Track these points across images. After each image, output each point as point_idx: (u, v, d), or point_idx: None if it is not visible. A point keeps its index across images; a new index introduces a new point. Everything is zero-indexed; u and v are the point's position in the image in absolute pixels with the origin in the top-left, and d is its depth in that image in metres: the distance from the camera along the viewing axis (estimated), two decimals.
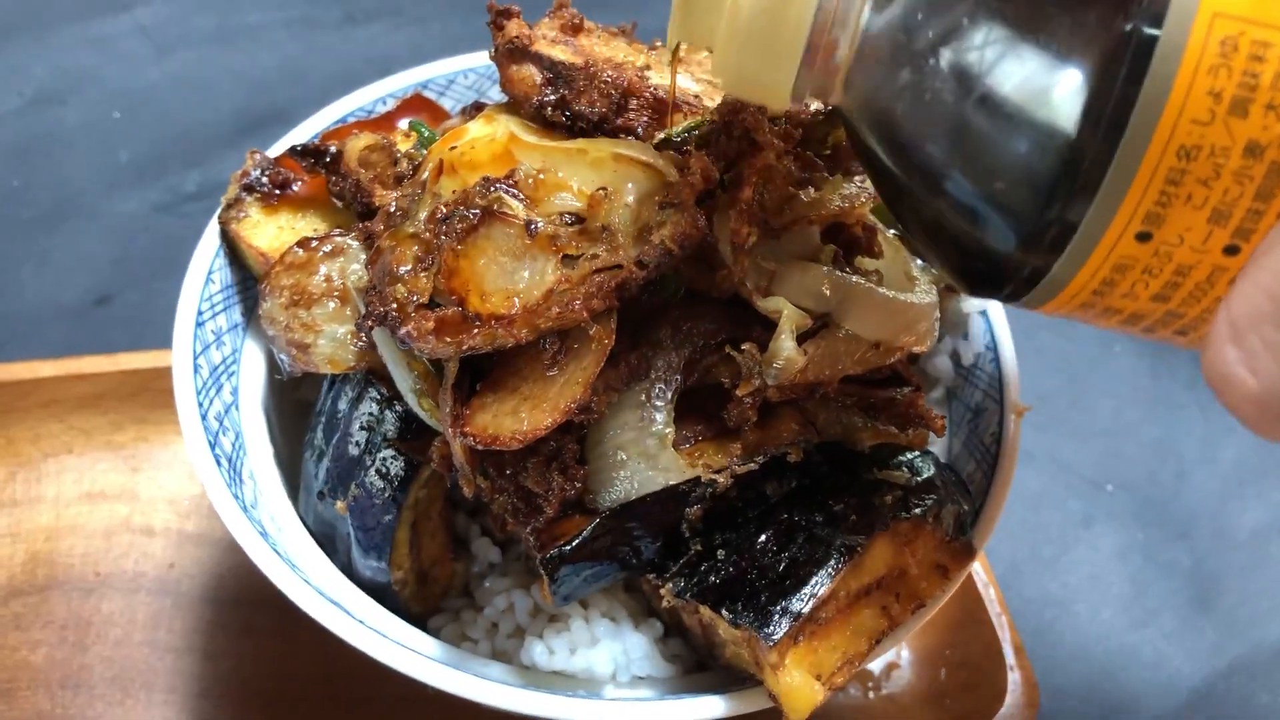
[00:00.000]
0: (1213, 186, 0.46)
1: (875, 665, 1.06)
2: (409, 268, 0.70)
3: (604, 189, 0.69)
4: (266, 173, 0.88)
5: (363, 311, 0.76)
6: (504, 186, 0.69)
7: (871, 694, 1.05)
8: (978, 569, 1.06)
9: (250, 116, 1.49)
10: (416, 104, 0.98)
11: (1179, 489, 1.28)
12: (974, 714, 1.00)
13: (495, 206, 0.68)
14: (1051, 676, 1.11)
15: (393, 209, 0.74)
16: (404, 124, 0.93)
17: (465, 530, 0.85)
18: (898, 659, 1.07)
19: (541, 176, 0.70)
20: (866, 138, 0.58)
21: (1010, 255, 0.53)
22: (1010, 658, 1.01)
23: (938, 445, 0.89)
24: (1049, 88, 0.48)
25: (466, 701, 0.78)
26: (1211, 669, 1.14)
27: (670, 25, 0.60)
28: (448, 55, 1.03)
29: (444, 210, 0.70)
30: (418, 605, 0.82)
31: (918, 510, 0.73)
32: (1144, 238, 0.48)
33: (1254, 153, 0.45)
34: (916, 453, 0.78)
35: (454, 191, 0.73)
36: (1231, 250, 0.47)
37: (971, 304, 0.92)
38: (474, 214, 0.68)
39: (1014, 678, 1.00)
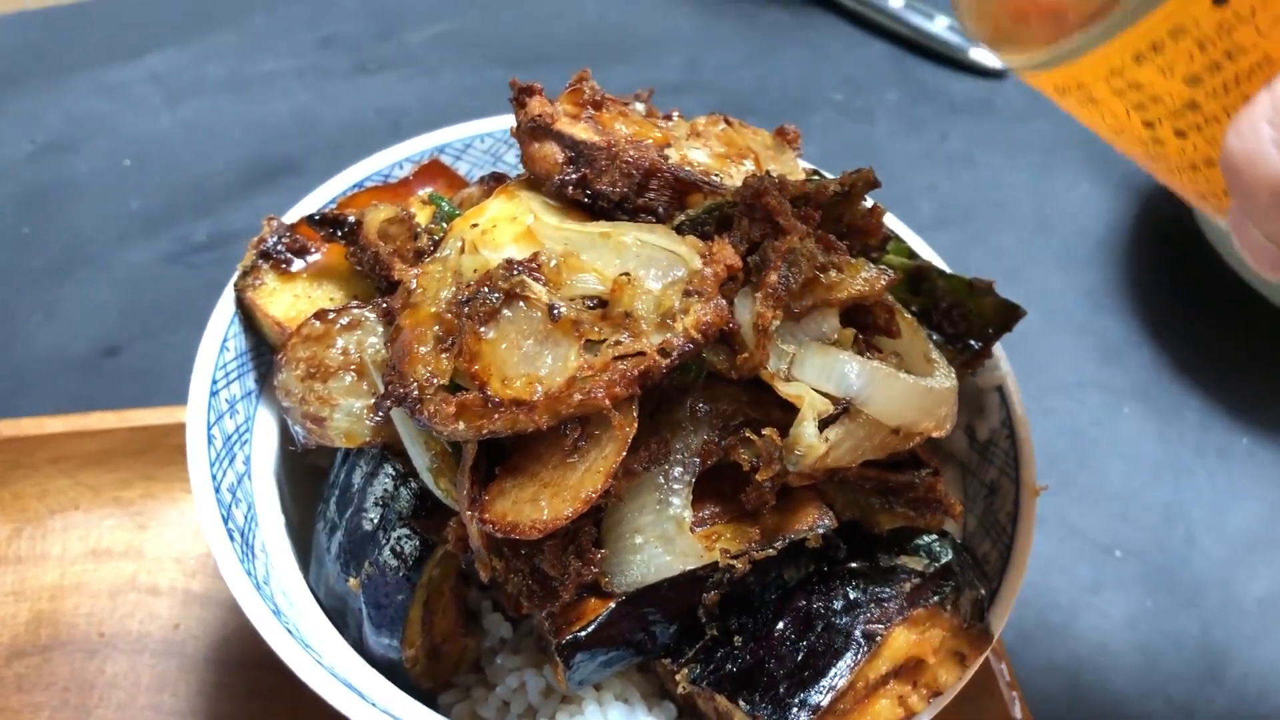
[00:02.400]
0: None
1: None
2: (429, 348, 0.70)
3: (627, 274, 0.69)
4: (283, 240, 0.88)
5: (381, 388, 0.76)
6: (526, 269, 0.69)
7: None
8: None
9: (262, 166, 1.49)
10: (433, 170, 0.98)
11: (1187, 555, 1.27)
12: None
13: (518, 290, 0.68)
14: None
15: (413, 286, 0.74)
16: (423, 192, 0.93)
17: (477, 605, 0.84)
18: None
19: (564, 260, 0.70)
20: None
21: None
22: None
23: (954, 524, 0.89)
24: None
25: None
26: None
27: None
28: (459, 106, 1.03)
29: (466, 292, 0.70)
30: (429, 681, 0.81)
31: (935, 598, 0.73)
32: (1221, 1, 0.45)
33: None
34: (934, 536, 0.78)
35: (475, 271, 0.73)
36: None
37: (987, 379, 0.91)
38: (496, 297, 0.68)
39: None
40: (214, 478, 0.79)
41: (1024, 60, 0.55)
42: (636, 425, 0.66)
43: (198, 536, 1.09)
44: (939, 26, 1.78)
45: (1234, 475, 1.35)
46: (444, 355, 0.69)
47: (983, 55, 1.77)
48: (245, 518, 0.81)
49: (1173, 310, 1.50)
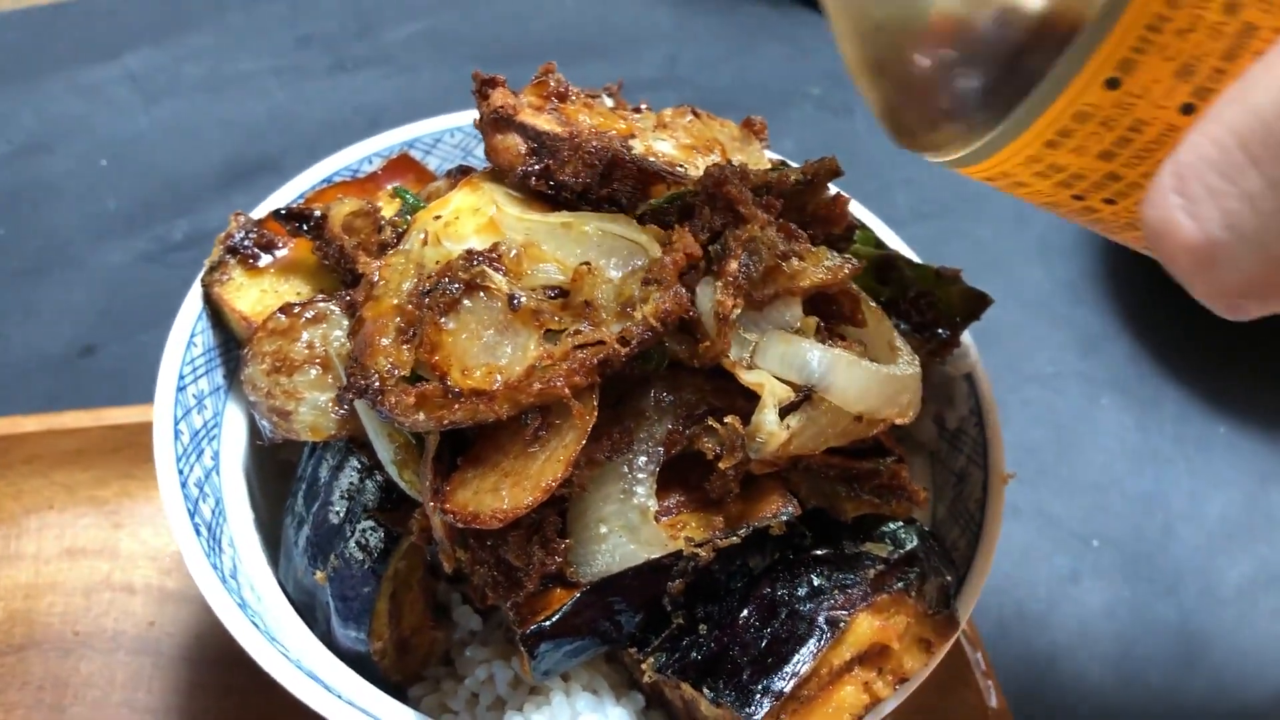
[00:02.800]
0: (1187, 39, 0.46)
1: None
2: (390, 339, 0.70)
3: (587, 264, 0.69)
4: (250, 235, 0.88)
5: (345, 381, 0.76)
6: (487, 259, 0.69)
7: None
8: (964, 631, 1.06)
9: (239, 165, 1.49)
10: (402, 164, 0.98)
11: (1165, 544, 1.28)
12: None
13: (478, 280, 0.68)
14: None
15: (376, 279, 0.74)
16: (390, 186, 0.93)
17: (446, 597, 0.85)
18: None
19: (525, 250, 0.70)
20: None
21: (977, 91, 0.51)
22: None
23: (923, 512, 0.89)
24: None
25: None
26: None
27: None
28: (437, 104, 1.03)
29: (427, 283, 0.70)
30: (397, 674, 0.81)
31: (900, 584, 0.73)
32: (1113, 84, 0.47)
33: (1231, 9, 0.45)
34: (899, 523, 0.78)
35: (438, 262, 0.73)
36: (1187, 109, 0.47)
37: (956, 367, 0.92)
38: (456, 287, 0.68)
39: None
40: (181, 472, 0.79)
41: (943, 159, 0.56)
42: (596, 414, 0.67)
43: (173, 535, 1.09)
44: None
45: (1212, 464, 1.35)
46: (405, 346, 0.69)
47: None
48: (213, 512, 0.81)
49: (1150, 301, 1.51)
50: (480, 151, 1.02)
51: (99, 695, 0.99)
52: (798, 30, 1.84)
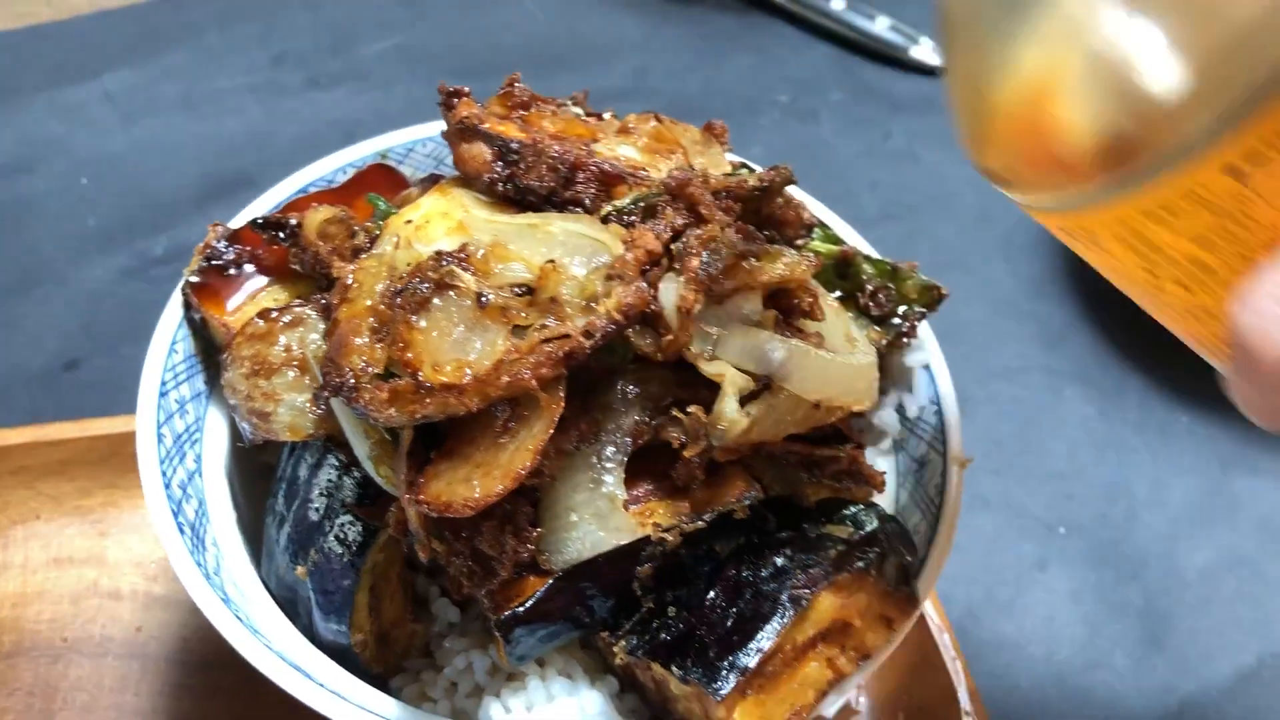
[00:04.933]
0: None
1: (831, 712, 1.08)
2: (364, 339, 0.72)
3: (552, 262, 0.72)
4: (228, 245, 0.90)
5: (320, 381, 0.78)
6: (455, 260, 0.72)
7: None
8: (932, 614, 1.09)
9: (217, 181, 1.52)
10: (376, 173, 1.00)
11: (1130, 530, 1.31)
12: None
13: (447, 279, 0.71)
14: (1007, 719, 1.14)
15: (349, 281, 0.76)
16: (365, 196, 0.95)
17: (425, 591, 0.87)
18: (856, 705, 1.10)
19: (492, 250, 0.73)
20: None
21: (1094, 150, 0.49)
22: (965, 702, 1.03)
23: (886, 498, 0.92)
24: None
25: None
26: (1164, 708, 1.17)
27: None
28: (410, 117, 1.06)
29: (398, 283, 0.73)
30: (378, 666, 0.83)
31: (860, 564, 0.76)
32: (1235, 173, 0.45)
33: None
34: (860, 506, 0.81)
35: (409, 265, 0.75)
36: None
37: (915, 358, 0.95)
38: (427, 287, 0.71)
39: None
40: (164, 475, 0.81)
41: (1029, 202, 0.55)
42: (563, 404, 0.69)
43: (159, 541, 1.11)
44: (880, 27, 1.82)
45: (1174, 452, 1.39)
46: (378, 345, 0.72)
47: (924, 54, 1.82)
48: (196, 513, 0.83)
49: (1113, 295, 1.52)
50: (452, 160, 1.06)
51: (88, 699, 1.01)
52: (765, 40, 1.88)
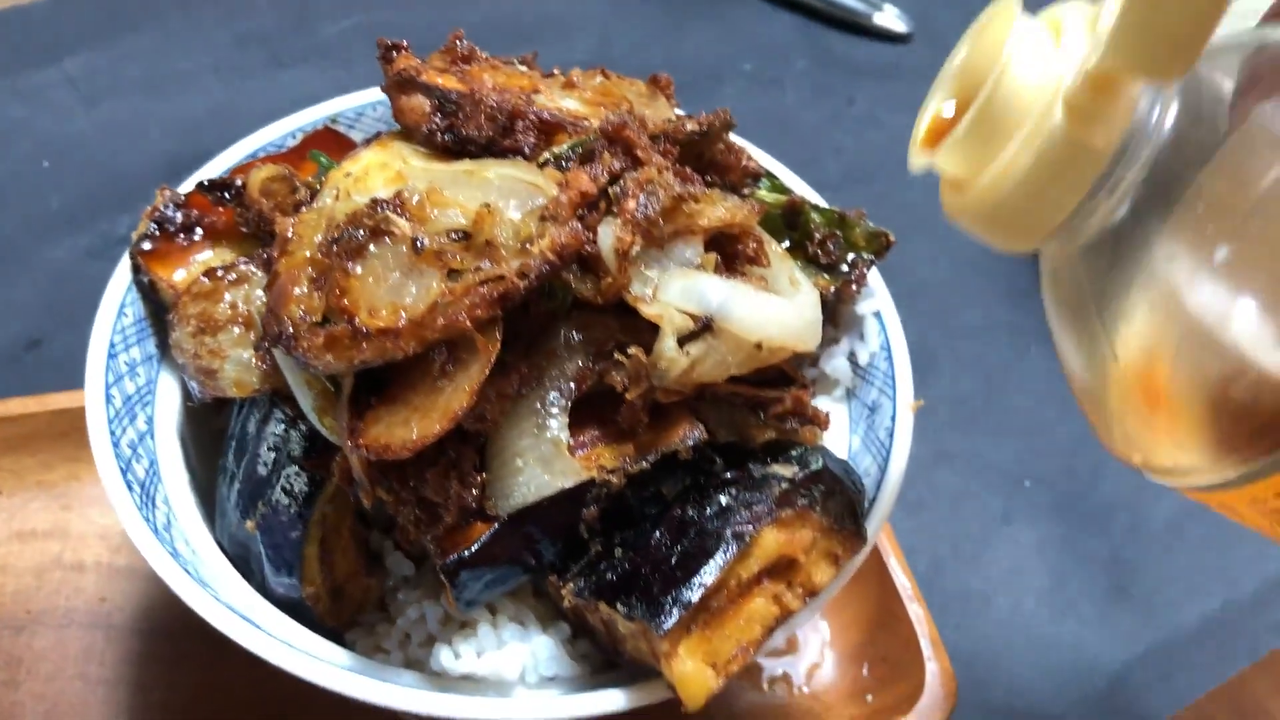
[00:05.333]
0: None
1: (799, 669, 1.09)
2: (303, 289, 0.73)
3: (487, 205, 0.72)
4: (176, 208, 0.90)
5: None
6: (391, 206, 0.72)
7: (797, 692, 1.08)
8: (895, 567, 1.09)
9: (180, 161, 1.50)
10: (324, 137, 1.01)
11: (1095, 482, 1.32)
12: (895, 707, 1.03)
13: (382, 226, 0.71)
14: (974, 668, 1.14)
15: (289, 234, 0.77)
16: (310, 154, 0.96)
17: (379, 546, 0.87)
18: (821, 659, 1.10)
19: (428, 196, 0.74)
20: (1083, 291, 0.58)
21: (1213, 448, 0.53)
22: (928, 650, 1.04)
23: (840, 443, 0.93)
24: None
25: (387, 714, 0.81)
26: (1130, 654, 1.18)
27: (938, 147, 0.59)
28: None
29: (335, 232, 0.73)
30: (333, 620, 0.84)
31: (804, 500, 0.76)
32: None
33: None
34: (806, 448, 0.81)
35: (347, 215, 0.76)
36: None
37: (865, 306, 0.95)
38: (362, 234, 0.71)
39: (932, 669, 1.03)
40: (113, 434, 0.81)
41: (1168, 483, 0.58)
42: (500, 345, 0.70)
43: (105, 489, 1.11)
44: None
45: None
46: (317, 294, 0.72)
47: (887, 21, 1.82)
48: (147, 473, 0.84)
49: None
50: None
51: (52, 669, 1.02)
52: (727, 10, 1.88)
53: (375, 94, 1.05)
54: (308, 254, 0.75)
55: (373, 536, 0.88)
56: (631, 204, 0.74)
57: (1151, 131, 0.53)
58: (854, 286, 0.93)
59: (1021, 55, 0.54)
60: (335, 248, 0.72)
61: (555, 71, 0.96)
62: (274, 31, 1.74)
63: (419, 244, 0.71)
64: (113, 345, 0.86)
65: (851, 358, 0.96)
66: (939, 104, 0.61)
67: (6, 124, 1.55)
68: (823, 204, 0.97)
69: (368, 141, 0.89)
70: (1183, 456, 0.55)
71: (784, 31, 1.85)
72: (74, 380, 1.24)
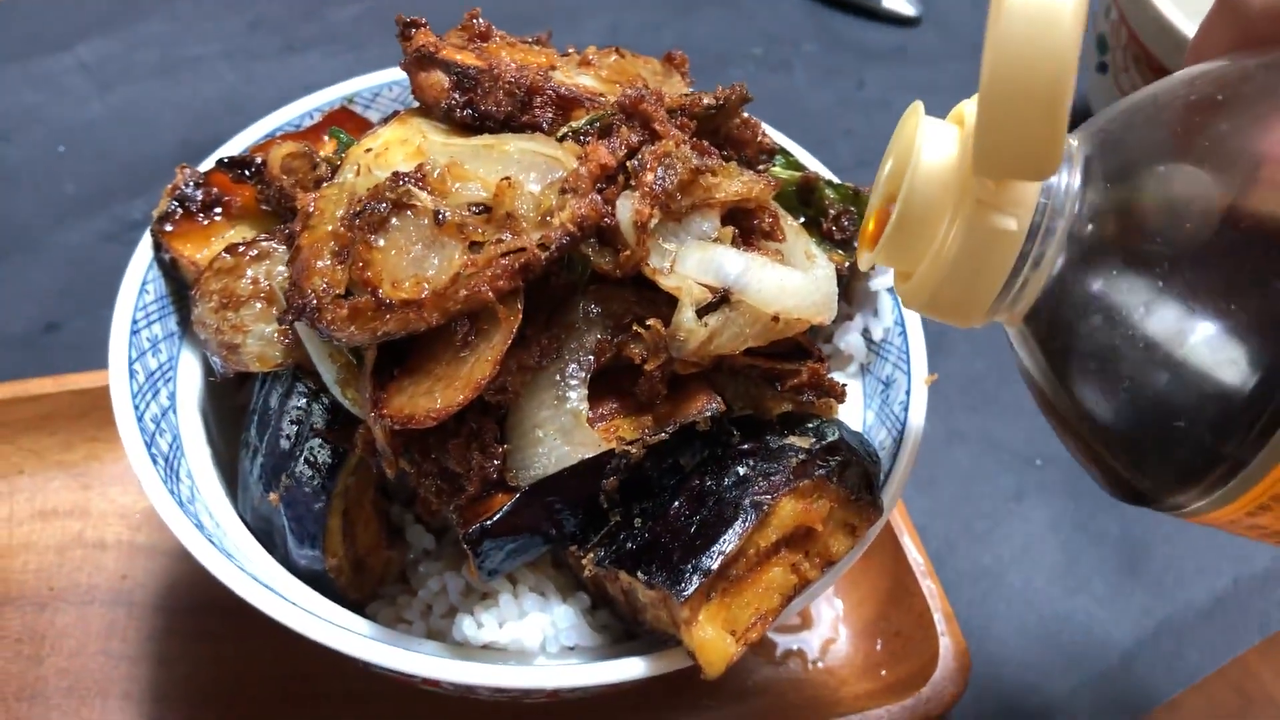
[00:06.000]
0: None
1: (813, 643, 1.10)
2: (326, 262, 0.73)
3: (508, 178, 0.73)
4: (197, 185, 0.91)
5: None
6: (412, 179, 0.73)
7: (811, 667, 1.09)
8: (909, 544, 1.10)
9: (193, 146, 1.51)
10: (341, 117, 1.01)
11: None
12: (908, 681, 1.04)
13: (404, 199, 0.72)
14: (987, 644, 1.15)
15: (311, 209, 0.77)
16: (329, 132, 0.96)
17: (400, 519, 0.88)
18: (835, 634, 1.11)
19: (449, 169, 0.74)
20: (1036, 356, 0.64)
21: (1172, 484, 0.58)
22: (941, 625, 1.05)
23: (854, 418, 0.93)
24: (1242, 358, 0.53)
25: (411, 692, 0.82)
26: (1141, 630, 1.18)
27: (876, 247, 0.65)
28: None
29: (357, 206, 0.74)
30: (355, 592, 0.85)
31: (821, 470, 0.77)
32: None
33: None
34: (823, 419, 0.82)
35: (368, 190, 0.76)
36: None
37: (879, 282, 0.96)
38: (384, 207, 0.72)
39: (945, 644, 1.04)
40: (137, 408, 0.82)
41: (1174, 514, 0.63)
42: (521, 316, 0.70)
43: (142, 492, 1.12)
44: None
45: None
46: (339, 267, 0.73)
47: (896, 4, 1.82)
48: (170, 446, 0.85)
49: None
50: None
51: (75, 645, 1.03)
52: None
53: (391, 74, 1.06)
54: (330, 228, 0.75)
55: (393, 509, 0.89)
56: (650, 177, 0.75)
57: (1062, 205, 0.58)
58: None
59: (931, 153, 0.60)
60: (358, 221, 0.73)
61: (570, 50, 0.97)
62: (285, 17, 1.74)
63: (440, 216, 0.72)
64: (135, 322, 0.87)
65: (865, 333, 0.97)
66: (874, 208, 0.68)
67: (22, 109, 1.56)
68: (835, 180, 0.98)
69: (386, 119, 0.90)
70: (1162, 490, 0.60)
71: (793, 15, 1.86)
72: (91, 362, 1.26)
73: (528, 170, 0.74)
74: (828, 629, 1.11)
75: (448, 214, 0.72)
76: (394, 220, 0.72)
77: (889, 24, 1.83)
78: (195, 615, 1.06)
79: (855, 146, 1.64)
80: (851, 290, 0.98)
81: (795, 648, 1.09)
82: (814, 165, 1.00)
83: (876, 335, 0.96)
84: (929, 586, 1.07)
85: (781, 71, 1.75)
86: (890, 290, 0.96)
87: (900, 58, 1.78)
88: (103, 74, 1.62)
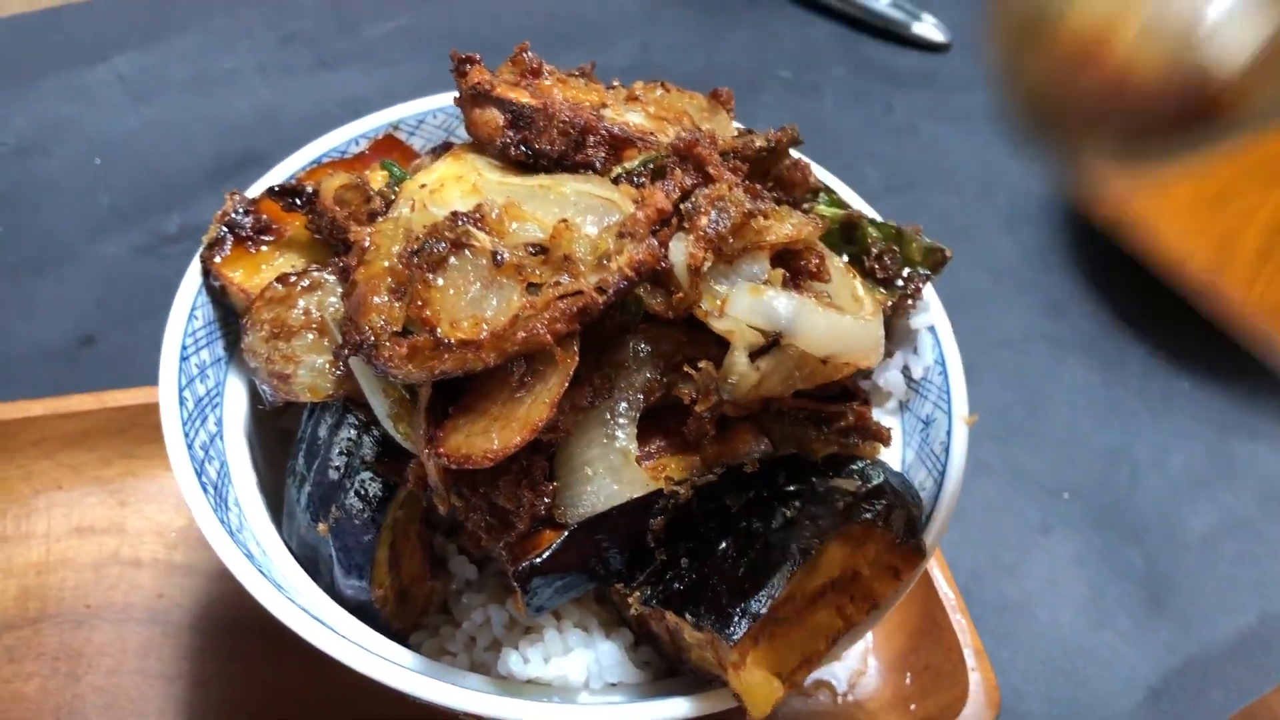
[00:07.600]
0: None
1: (841, 675, 1.11)
2: (383, 298, 0.74)
3: (565, 221, 0.74)
4: (246, 212, 0.92)
5: (340, 341, 0.80)
6: (471, 220, 0.74)
7: (840, 700, 1.09)
8: (939, 577, 1.11)
9: (227, 160, 1.54)
10: (388, 144, 1.02)
11: (1132, 494, 1.33)
12: (938, 716, 1.05)
13: (463, 239, 0.73)
14: (1013, 678, 1.16)
15: (366, 244, 0.78)
16: (378, 162, 0.97)
17: (443, 550, 0.89)
18: (864, 666, 1.12)
19: (506, 210, 0.75)
20: None
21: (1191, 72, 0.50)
22: (971, 660, 1.05)
23: (893, 456, 0.94)
24: None
25: (445, 715, 0.82)
26: (1166, 667, 1.19)
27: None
28: (417, 94, 1.07)
29: (415, 244, 0.75)
30: (399, 622, 0.85)
31: (867, 515, 0.77)
32: None
33: None
34: (867, 461, 0.83)
35: (424, 227, 0.77)
36: None
37: (920, 320, 0.97)
38: (443, 246, 0.73)
39: (975, 679, 1.04)
40: (187, 436, 0.83)
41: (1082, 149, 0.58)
42: (578, 359, 0.71)
43: (178, 510, 1.14)
44: (882, 3, 1.84)
45: (1176, 417, 1.41)
46: (396, 304, 0.74)
47: (925, 30, 1.83)
48: (218, 474, 0.85)
49: (1114, 265, 1.56)
50: (462, 131, 1.07)
51: (112, 663, 1.04)
52: (766, 17, 1.89)
53: (435, 101, 1.07)
54: (386, 264, 0.76)
55: (436, 540, 0.89)
56: (704, 220, 0.75)
57: None
58: (910, 301, 0.94)
59: None
60: (415, 259, 0.73)
61: (615, 84, 0.98)
62: (318, 33, 1.76)
63: (499, 257, 0.72)
64: (184, 348, 0.88)
65: (905, 371, 0.98)
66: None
67: (59, 121, 1.57)
68: (878, 218, 0.99)
69: (437, 152, 0.91)
70: (1119, 117, 0.53)
71: (821, 39, 1.86)
72: (127, 376, 1.27)
73: (584, 213, 0.75)
74: (857, 660, 1.12)
75: (506, 255, 0.72)
76: (452, 259, 0.73)
77: (919, 49, 1.84)
78: (230, 636, 1.06)
79: (883, 171, 1.65)
80: (891, 327, 0.98)
81: (824, 679, 1.10)
82: (855, 202, 1.01)
83: (916, 373, 0.97)
84: (959, 621, 1.08)
85: (810, 95, 1.76)
86: (931, 329, 0.96)
87: (929, 83, 1.78)
88: (139, 87, 1.63)
